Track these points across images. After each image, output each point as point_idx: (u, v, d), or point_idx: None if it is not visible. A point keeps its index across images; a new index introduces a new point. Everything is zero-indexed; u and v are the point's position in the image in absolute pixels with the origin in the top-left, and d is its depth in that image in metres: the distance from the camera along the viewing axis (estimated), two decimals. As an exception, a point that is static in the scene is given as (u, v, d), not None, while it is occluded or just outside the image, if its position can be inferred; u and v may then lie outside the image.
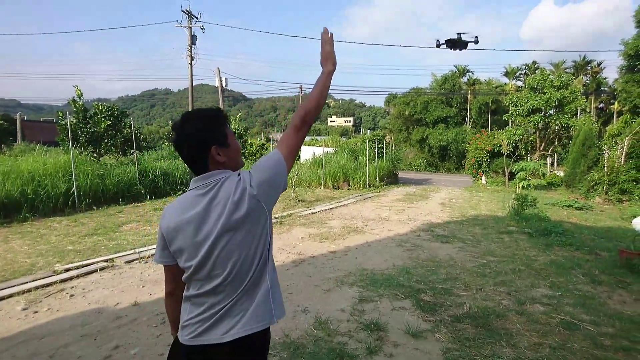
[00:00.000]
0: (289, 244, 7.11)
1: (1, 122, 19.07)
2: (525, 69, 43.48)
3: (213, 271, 1.43)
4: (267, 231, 1.48)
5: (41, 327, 3.78)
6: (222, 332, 1.42)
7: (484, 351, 3.33)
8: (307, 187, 16.39)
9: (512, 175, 18.37)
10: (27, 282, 4.84)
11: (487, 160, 24.19)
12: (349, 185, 16.76)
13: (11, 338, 3.57)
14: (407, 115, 36.37)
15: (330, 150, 20.70)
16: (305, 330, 3.70)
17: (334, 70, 1.62)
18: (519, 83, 42.35)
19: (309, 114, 1.52)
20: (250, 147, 23.22)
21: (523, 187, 12.90)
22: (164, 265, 1.57)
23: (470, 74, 40.56)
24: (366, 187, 16.83)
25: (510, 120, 25.16)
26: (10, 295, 4.50)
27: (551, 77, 22.35)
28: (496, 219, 10.06)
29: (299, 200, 12.44)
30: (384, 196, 14.83)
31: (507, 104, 24.62)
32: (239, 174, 1.47)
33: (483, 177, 22.55)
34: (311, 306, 4.30)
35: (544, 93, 21.15)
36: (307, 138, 37.03)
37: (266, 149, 24.24)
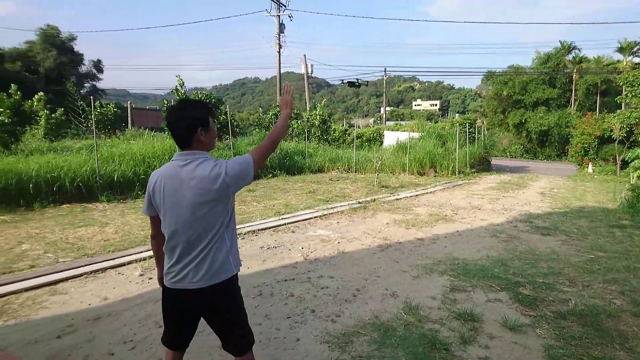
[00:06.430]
0: (374, 228, 7.07)
1: (116, 109, 21.30)
2: (645, 42, 37.44)
3: (183, 229, 1.88)
4: (228, 209, 1.95)
5: (156, 291, 4.17)
6: (196, 280, 1.89)
7: (592, 352, 3.02)
8: (391, 173, 16.12)
9: (624, 164, 16.34)
10: (142, 252, 5.45)
11: (595, 146, 21.46)
12: (435, 172, 16.11)
13: (131, 299, 4.06)
14: (505, 96, 33.64)
15: (416, 135, 19.94)
16: (394, 314, 3.67)
17: (290, 113, 2.19)
18: (636, 60, 36.61)
19: (275, 142, 2.04)
20: (334, 133, 23.37)
21: (638, 177, 11.29)
22: (150, 217, 2.06)
23: (576, 51, 36.09)
24: (455, 174, 16.04)
25: (623, 103, 21.96)
26: (130, 262, 5.11)
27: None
28: (605, 211, 8.97)
29: (383, 186, 12.29)
30: (475, 184, 14.03)
31: (620, 84, 21.46)
32: (217, 161, 1.92)
33: (590, 165, 20.16)
34: (400, 291, 4.24)
35: (671, 69, 18.07)
36: (391, 123, 36.04)
37: (348, 135, 24.25)
